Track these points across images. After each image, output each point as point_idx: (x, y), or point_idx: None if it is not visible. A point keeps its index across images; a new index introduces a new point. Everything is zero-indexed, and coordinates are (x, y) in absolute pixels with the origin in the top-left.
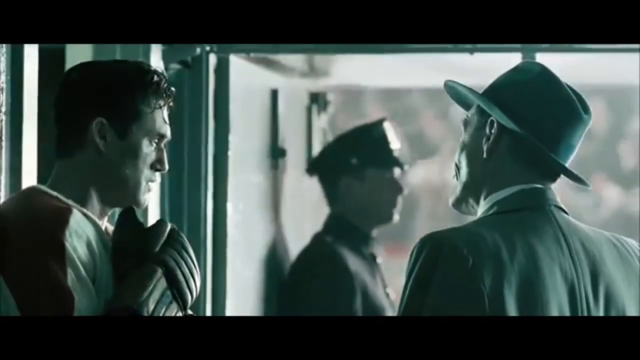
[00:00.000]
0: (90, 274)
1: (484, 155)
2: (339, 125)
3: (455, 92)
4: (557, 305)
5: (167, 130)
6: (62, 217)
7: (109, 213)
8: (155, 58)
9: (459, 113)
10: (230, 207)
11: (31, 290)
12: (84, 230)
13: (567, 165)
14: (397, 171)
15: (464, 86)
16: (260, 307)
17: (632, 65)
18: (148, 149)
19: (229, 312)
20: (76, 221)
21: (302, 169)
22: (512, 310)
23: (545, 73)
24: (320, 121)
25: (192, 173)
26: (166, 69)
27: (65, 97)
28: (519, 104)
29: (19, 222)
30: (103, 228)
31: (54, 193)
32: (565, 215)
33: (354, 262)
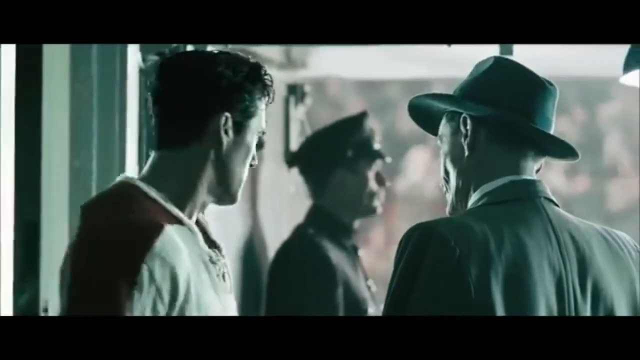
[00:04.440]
0: (171, 294)
1: (466, 153)
2: (317, 117)
3: (419, 113)
4: (544, 297)
5: (265, 127)
6: (149, 238)
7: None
8: (133, 49)
9: None
10: None
11: (87, 299)
12: (176, 245)
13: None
14: (378, 163)
15: (427, 95)
16: (239, 299)
17: (606, 58)
18: (254, 145)
19: None
20: (166, 240)
21: (280, 161)
22: (498, 302)
23: (500, 59)
24: (298, 113)
25: None
26: (144, 60)
27: (182, 90)
28: (485, 92)
29: (108, 229)
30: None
31: (152, 193)
32: (556, 207)
33: (335, 254)
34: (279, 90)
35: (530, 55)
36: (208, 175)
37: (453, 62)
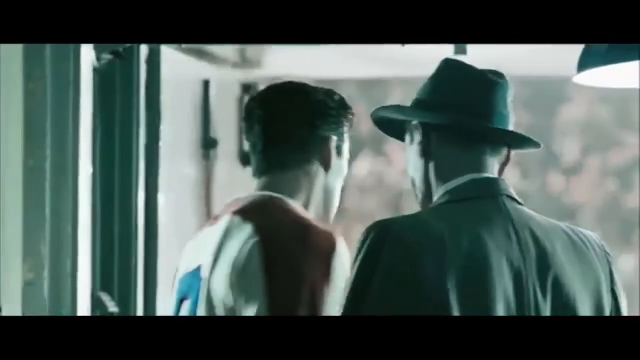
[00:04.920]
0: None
1: (423, 159)
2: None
3: (385, 126)
4: (503, 294)
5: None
6: (335, 242)
7: None
8: (87, 48)
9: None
10: (161, 197)
11: (292, 297)
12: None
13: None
14: None
15: (378, 109)
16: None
17: (562, 57)
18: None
19: (161, 303)
20: (343, 244)
21: (234, 160)
22: (454, 300)
23: (448, 61)
24: None
25: (124, 164)
26: (98, 59)
27: (292, 116)
28: (435, 97)
29: (303, 229)
30: None
31: (296, 208)
32: (519, 205)
33: None
34: (234, 89)
35: (484, 55)
36: (317, 195)
37: (407, 62)
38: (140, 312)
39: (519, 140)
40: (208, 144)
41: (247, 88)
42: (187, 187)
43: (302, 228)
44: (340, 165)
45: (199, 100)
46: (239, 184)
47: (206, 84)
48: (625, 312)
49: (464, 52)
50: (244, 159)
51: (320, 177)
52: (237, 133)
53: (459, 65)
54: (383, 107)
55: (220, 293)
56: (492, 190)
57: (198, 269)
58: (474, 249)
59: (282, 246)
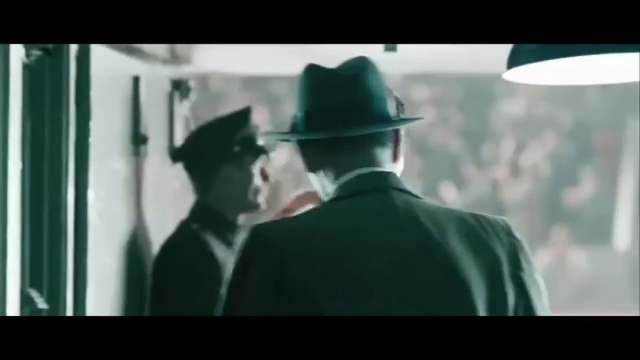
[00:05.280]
0: None
1: (312, 168)
2: (201, 112)
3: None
4: (387, 287)
5: None
6: None
7: None
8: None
9: None
10: (91, 194)
11: None
12: None
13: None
14: (262, 159)
15: (267, 133)
16: (123, 294)
17: (490, 55)
18: None
19: (90, 299)
20: None
21: (164, 156)
22: (332, 299)
23: (306, 69)
24: (182, 108)
25: (53, 160)
26: (27, 55)
27: None
28: (303, 109)
29: None
30: None
31: None
32: (411, 197)
33: (219, 250)
34: (164, 85)
35: (417, 52)
36: None
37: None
38: (69, 308)
39: (392, 124)
40: (138, 140)
41: (177, 84)
42: (117, 183)
43: None
44: None
45: (128, 97)
46: (169, 180)
47: (136, 80)
48: (537, 298)
49: (393, 49)
50: (174, 155)
51: None
52: (167, 129)
53: (317, 71)
54: (266, 132)
55: None
56: (380, 183)
57: None
58: (355, 245)
59: None
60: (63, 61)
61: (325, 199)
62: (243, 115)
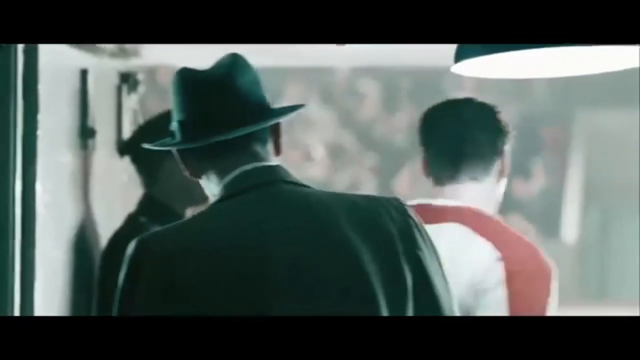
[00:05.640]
0: None
1: (194, 174)
2: (150, 105)
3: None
4: (282, 279)
5: None
6: None
7: None
8: None
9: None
10: (39, 187)
11: None
12: None
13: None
14: None
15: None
16: (71, 287)
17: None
18: None
19: (38, 293)
20: None
21: (112, 149)
22: (227, 300)
23: (178, 74)
24: (131, 101)
25: (1, 153)
26: None
27: None
28: (179, 117)
29: None
30: None
31: None
32: (299, 187)
33: None
34: (112, 78)
35: (365, 45)
36: None
37: (293, 53)
38: (17, 301)
39: (267, 120)
40: (86, 133)
41: (125, 77)
42: (64, 177)
43: None
44: None
45: (76, 90)
46: (117, 173)
47: (84, 73)
48: (437, 275)
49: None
50: (122, 148)
51: None
52: (115, 122)
53: (187, 75)
54: (144, 145)
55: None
56: (265, 178)
57: None
58: (243, 244)
59: None
60: (11, 54)
61: (212, 200)
62: None
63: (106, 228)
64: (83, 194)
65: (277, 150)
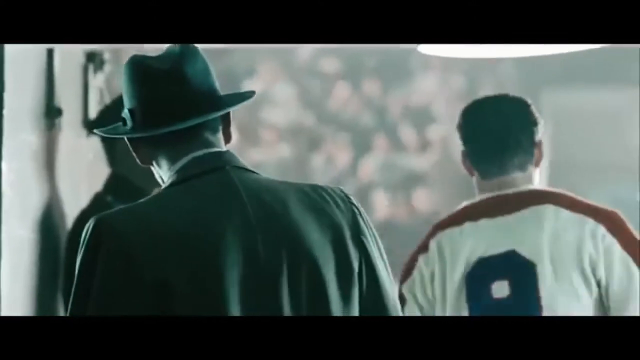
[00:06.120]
0: None
1: (145, 160)
2: (116, 84)
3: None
4: (234, 267)
5: None
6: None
7: None
8: None
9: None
10: (4, 166)
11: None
12: None
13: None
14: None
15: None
16: (37, 267)
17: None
18: None
19: (4, 272)
20: None
21: (79, 128)
22: (179, 281)
23: (128, 62)
24: (97, 80)
25: None
26: None
27: None
28: (129, 105)
29: None
30: None
31: None
32: (248, 173)
33: None
34: (78, 58)
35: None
36: None
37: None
38: None
39: (219, 109)
40: (52, 112)
41: (91, 56)
42: (30, 156)
43: None
44: None
45: (42, 69)
46: (83, 152)
47: (50, 53)
48: (379, 260)
49: None
50: (89, 127)
51: None
52: (81, 101)
53: (138, 64)
54: (95, 130)
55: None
56: (215, 164)
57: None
58: (194, 227)
59: None
60: None
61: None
62: None
63: (72, 207)
64: (49, 173)
65: (227, 138)
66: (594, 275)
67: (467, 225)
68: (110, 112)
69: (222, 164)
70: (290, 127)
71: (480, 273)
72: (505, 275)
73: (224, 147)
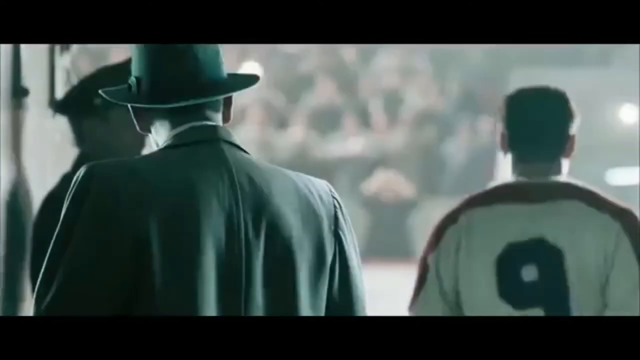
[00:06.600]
0: None
1: (146, 126)
2: (82, 65)
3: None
4: (211, 232)
5: None
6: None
7: None
8: None
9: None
10: None
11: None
12: None
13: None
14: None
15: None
16: (4, 248)
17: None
18: None
19: None
20: None
21: (45, 109)
22: (155, 237)
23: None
24: (63, 60)
25: None
26: None
27: None
28: (135, 75)
29: None
30: None
31: None
32: (239, 151)
33: None
34: None
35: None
36: None
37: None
38: None
39: (215, 89)
40: (18, 92)
41: None
42: None
43: None
44: None
45: (8, 48)
46: (50, 132)
47: None
48: (353, 254)
49: None
50: (55, 108)
51: None
52: (47, 82)
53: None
54: (104, 90)
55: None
56: (210, 136)
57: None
58: (182, 189)
59: None
60: None
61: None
62: (123, 68)
63: (38, 187)
64: (15, 154)
65: (227, 118)
66: (606, 269)
67: (499, 208)
68: (76, 93)
69: (217, 137)
70: (261, 107)
71: (511, 257)
72: (534, 261)
73: (221, 124)
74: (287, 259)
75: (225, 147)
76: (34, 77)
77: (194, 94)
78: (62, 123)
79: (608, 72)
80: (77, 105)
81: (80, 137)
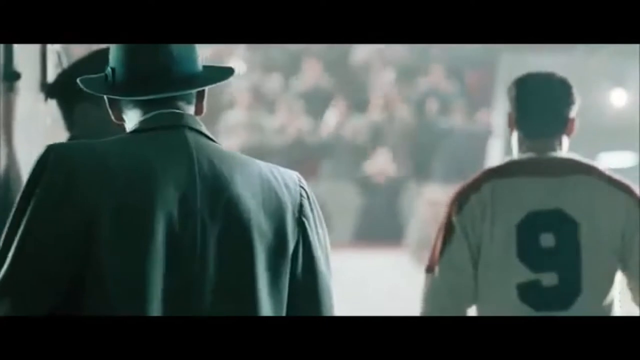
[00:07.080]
0: None
1: (117, 115)
2: (74, 48)
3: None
4: (165, 215)
5: None
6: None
7: None
8: None
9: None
10: None
11: None
12: None
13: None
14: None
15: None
16: None
17: None
18: None
19: None
20: None
21: (37, 92)
22: (108, 217)
23: None
24: (55, 45)
25: None
26: None
27: None
28: (111, 65)
29: None
30: None
31: None
32: (205, 138)
33: None
34: None
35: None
36: None
37: None
38: None
39: (196, 86)
40: (9, 76)
41: None
42: None
43: None
44: None
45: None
46: (41, 116)
47: None
48: (315, 238)
49: None
50: (47, 91)
51: None
52: (39, 65)
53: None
54: (81, 79)
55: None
56: (175, 122)
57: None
58: (138, 170)
59: None
60: None
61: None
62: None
63: (29, 172)
64: (6, 138)
65: (199, 111)
66: (621, 239)
67: (520, 180)
68: (67, 76)
69: (183, 124)
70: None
71: (530, 224)
72: (551, 229)
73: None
74: (243, 240)
75: (190, 133)
76: (25, 61)
77: (166, 87)
78: (53, 107)
79: (597, 59)
80: (68, 88)
81: (71, 120)
